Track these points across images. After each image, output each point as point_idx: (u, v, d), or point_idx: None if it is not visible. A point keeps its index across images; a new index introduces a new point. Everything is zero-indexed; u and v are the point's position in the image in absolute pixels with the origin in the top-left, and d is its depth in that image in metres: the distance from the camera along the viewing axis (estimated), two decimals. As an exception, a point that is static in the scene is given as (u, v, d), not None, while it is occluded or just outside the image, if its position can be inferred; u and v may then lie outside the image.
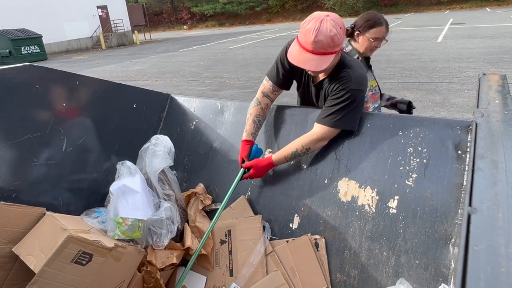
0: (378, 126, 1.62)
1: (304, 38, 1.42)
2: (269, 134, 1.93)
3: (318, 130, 1.60)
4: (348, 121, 1.58)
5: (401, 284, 1.34)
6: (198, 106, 2.21)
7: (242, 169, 1.75)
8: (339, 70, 1.55)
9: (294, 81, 1.82)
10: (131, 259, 1.56)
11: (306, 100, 1.85)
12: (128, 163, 1.79)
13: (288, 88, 1.80)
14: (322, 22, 1.38)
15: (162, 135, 1.93)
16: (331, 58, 1.44)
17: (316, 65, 1.44)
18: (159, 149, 1.85)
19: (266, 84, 1.78)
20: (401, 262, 1.40)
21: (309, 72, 1.62)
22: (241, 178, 1.75)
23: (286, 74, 1.72)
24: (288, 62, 1.60)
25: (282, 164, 1.79)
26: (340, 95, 1.52)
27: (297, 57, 1.46)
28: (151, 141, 1.90)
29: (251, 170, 1.71)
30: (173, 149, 1.90)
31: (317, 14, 1.43)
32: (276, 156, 1.68)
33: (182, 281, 1.70)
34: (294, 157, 1.66)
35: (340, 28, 1.41)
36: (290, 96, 2.09)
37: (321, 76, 1.65)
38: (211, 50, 15.42)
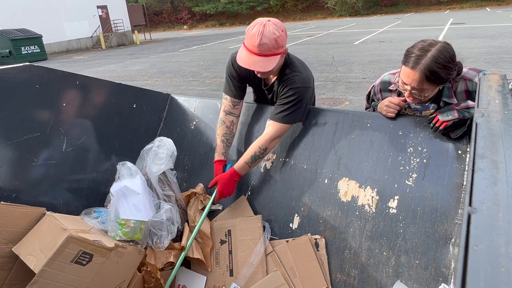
0: (378, 126, 1.62)
1: (250, 42, 1.52)
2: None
3: (270, 128, 1.70)
4: (297, 116, 1.70)
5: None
6: (198, 106, 2.21)
7: (214, 193, 1.77)
8: (285, 71, 1.67)
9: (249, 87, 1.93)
10: (131, 259, 1.56)
11: (262, 102, 1.98)
12: (129, 164, 1.78)
13: (243, 98, 1.89)
14: (265, 26, 1.49)
15: (166, 138, 1.93)
16: (277, 59, 1.55)
17: (264, 66, 1.54)
18: (162, 151, 1.85)
19: (225, 102, 1.87)
20: (401, 262, 1.40)
21: (258, 75, 1.69)
22: (214, 202, 1.78)
23: (238, 84, 1.83)
24: (237, 72, 1.74)
25: (282, 165, 1.80)
26: (289, 94, 1.64)
27: (246, 60, 1.55)
28: (155, 142, 1.90)
29: (217, 186, 1.73)
30: (175, 153, 1.90)
31: (260, 20, 1.54)
32: (237, 165, 1.73)
33: (172, 277, 1.68)
34: (254, 161, 1.72)
35: (282, 31, 1.53)
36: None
37: (271, 79, 1.76)
38: (211, 50, 15.42)
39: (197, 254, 1.72)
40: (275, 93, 1.75)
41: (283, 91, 1.66)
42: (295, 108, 1.65)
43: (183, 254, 1.71)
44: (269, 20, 1.52)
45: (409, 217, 1.43)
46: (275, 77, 1.73)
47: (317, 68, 8.55)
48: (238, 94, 1.84)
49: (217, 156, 1.84)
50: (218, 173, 1.79)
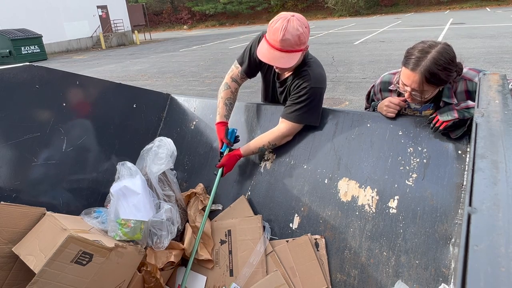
0: (378, 126, 1.62)
1: (272, 37, 1.49)
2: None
3: (283, 126, 1.71)
4: (310, 116, 1.70)
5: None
6: (198, 106, 2.21)
7: (219, 169, 1.80)
8: (301, 68, 1.65)
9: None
10: (131, 259, 1.56)
11: (269, 94, 1.96)
12: (129, 164, 1.78)
13: (252, 77, 1.89)
14: (289, 22, 1.46)
15: (166, 138, 1.93)
16: (298, 55, 1.53)
17: (285, 62, 1.52)
18: (162, 151, 1.85)
19: (235, 70, 1.87)
20: (401, 262, 1.40)
21: (276, 70, 1.68)
22: (221, 175, 1.81)
23: (254, 64, 1.80)
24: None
25: (282, 165, 1.81)
26: (302, 93, 1.63)
27: (267, 55, 1.53)
28: (155, 142, 1.90)
29: (225, 167, 1.79)
30: (175, 153, 1.90)
31: (284, 14, 1.51)
32: (244, 149, 1.78)
33: (185, 283, 1.70)
34: (260, 151, 1.78)
35: (306, 27, 1.50)
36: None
37: (286, 74, 1.74)
38: (211, 50, 15.42)
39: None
40: (288, 88, 1.74)
41: (297, 89, 1.65)
42: (308, 107, 1.65)
43: (191, 259, 1.72)
44: (293, 15, 1.49)
45: (409, 217, 1.43)
46: (290, 73, 1.71)
47: (317, 68, 8.51)
48: (250, 72, 1.84)
49: (220, 118, 1.84)
50: (221, 135, 1.82)
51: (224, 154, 1.83)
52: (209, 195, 1.96)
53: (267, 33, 1.54)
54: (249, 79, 1.91)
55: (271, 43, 1.50)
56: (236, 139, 1.87)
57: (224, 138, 1.81)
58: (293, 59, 1.52)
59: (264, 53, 1.54)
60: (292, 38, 1.46)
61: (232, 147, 1.85)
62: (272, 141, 1.73)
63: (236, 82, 1.88)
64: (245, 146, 1.78)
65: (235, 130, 1.87)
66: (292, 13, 1.51)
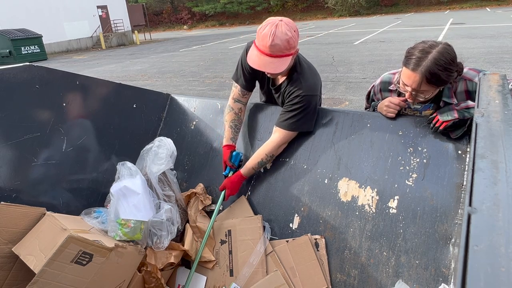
0: (378, 126, 1.62)
1: (261, 43, 1.48)
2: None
3: (277, 135, 1.72)
4: (304, 124, 1.71)
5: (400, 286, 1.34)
6: (198, 106, 2.21)
7: (222, 191, 1.81)
8: (293, 75, 1.65)
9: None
10: (131, 259, 1.56)
11: (267, 101, 1.97)
12: (129, 164, 1.78)
13: (252, 89, 1.88)
14: (277, 27, 1.45)
15: (166, 138, 1.93)
16: (288, 60, 1.52)
17: (275, 67, 1.51)
18: (162, 151, 1.85)
19: (235, 90, 1.86)
20: (401, 262, 1.40)
21: (268, 75, 1.68)
22: (224, 199, 1.82)
23: (249, 77, 1.80)
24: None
25: (282, 165, 1.81)
26: (295, 101, 1.63)
27: (257, 61, 1.52)
28: (155, 142, 1.90)
29: (226, 190, 1.79)
30: (175, 153, 1.90)
31: (272, 19, 1.50)
32: (244, 169, 1.78)
33: (188, 285, 1.70)
34: (260, 166, 1.78)
35: (294, 31, 1.50)
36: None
37: (280, 79, 1.74)
38: (211, 50, 15.41)
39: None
40: (282, 94, 1.74)
41: (290, 97, 1.65)
42: (301, 115, 1.65)
43: (195, 263, 1.72)
44: (281, 20, 1.48)
45: (409, 217, 1.43)
46: (284, 78, 1.71)
47: (317, 68, 8.48)
48: (248, 85, 1.83)
49: (225, 141, 1.85)
50: (225, 157, 1.83)
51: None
52: (209, 195, 1.97)
53: (256, 39, 1.53)
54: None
55: (261, 49, 1.49)
56: (240, 163, 1.87)
57: (227, 161, 1.82)
58: (284, 64, 1.51)
59: (254, 59, 1.53)
60: (281, 43, 1.45)
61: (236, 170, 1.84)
62: (269, 152, 1.73)
63: (239, 101, 1.87)
64: (245, 167, 1.78)
65: (240, 154, 1.86)
66: (280, 18, 1.50)
